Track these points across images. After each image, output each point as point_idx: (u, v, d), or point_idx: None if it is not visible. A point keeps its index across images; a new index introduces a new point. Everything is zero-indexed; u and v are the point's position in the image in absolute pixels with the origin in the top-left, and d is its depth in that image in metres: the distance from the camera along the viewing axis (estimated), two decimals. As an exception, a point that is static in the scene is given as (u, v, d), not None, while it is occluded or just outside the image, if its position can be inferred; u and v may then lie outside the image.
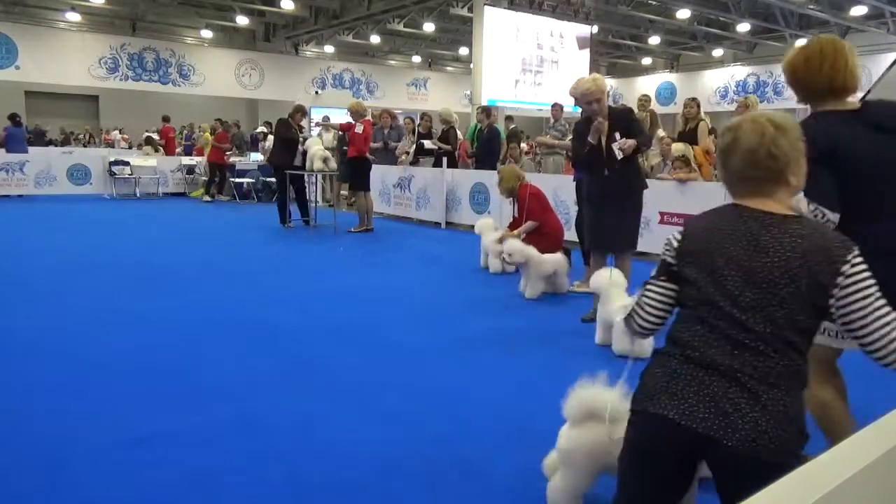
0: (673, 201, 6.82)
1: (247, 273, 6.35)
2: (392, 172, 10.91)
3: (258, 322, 4.56)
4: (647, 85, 25.79)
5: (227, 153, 13.82)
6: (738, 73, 24.32)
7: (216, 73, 21.86)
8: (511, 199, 6.38)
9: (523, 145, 12.21)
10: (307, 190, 10.20)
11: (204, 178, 14.02)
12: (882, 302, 1.46)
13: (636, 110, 7.28)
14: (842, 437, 0.97)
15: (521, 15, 15.99)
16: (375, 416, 3.03)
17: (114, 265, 6.48)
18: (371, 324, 4.58)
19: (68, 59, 19.06)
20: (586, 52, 17.46)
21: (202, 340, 4.13)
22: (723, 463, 1.46)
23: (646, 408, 1.53)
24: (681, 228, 1.66)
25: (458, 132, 10.65)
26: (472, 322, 4.71)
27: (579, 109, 4.62)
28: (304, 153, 9.66)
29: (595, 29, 18.53)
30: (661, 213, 6.91)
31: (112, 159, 14.03)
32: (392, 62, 27.56)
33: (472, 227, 7.07)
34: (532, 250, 5.44)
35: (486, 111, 10.21)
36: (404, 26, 20.35)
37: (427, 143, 10.27)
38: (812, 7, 18.30)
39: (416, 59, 27.07)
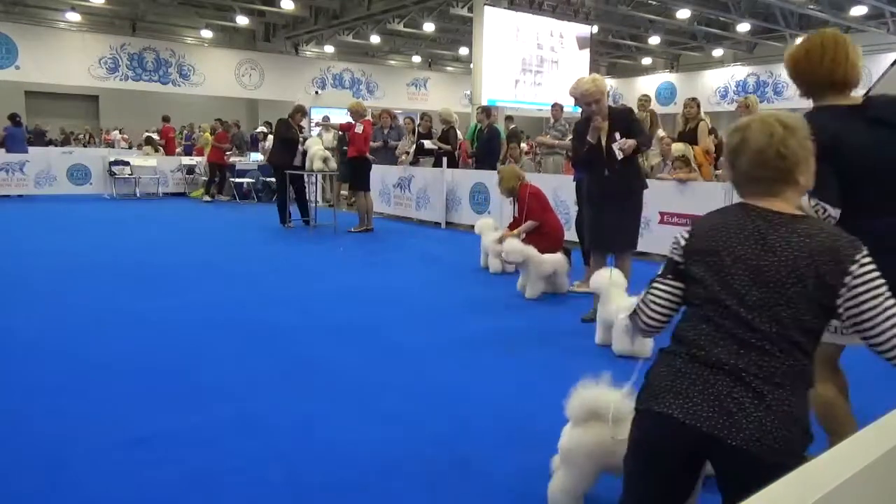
0: (673, 201, 6.82)
1: (247, 273, 6.35)
2: (392, 172, 10.91)
3: (258, 322, 4.56)
4: (647, 85, 25.78)
5: (227, 153, 13.83)
6: (738, 73, 24.31)
7: (216, 73, 21.85)
8: (511, 198, 6.38)
9: (523, 145, 12.21)
10: (307, 190, 10.21)
11: (204, 178, 14.02)
12: (892, 301, 1.45)
13: (636, 110, 7.28)
14: (843, 436, 0.97)
15: (521, 15, 15.99)
16: (375, 416, 3.03)
17: (114, 265, 6.48)
18: (371, 324, 4.57)
19: (68, 59, 19.06)
20: (586, 52, 17.46)
21: (202, 340, 4.13)
22: (726, 462, 1.45)
23: (650, 407, 1.52)
24: (689, 227, 1.66)
25: (458, 132, 10.65)
26: (472, 322, 4.71)
27: (579, 109, 4.62)
28: (304, 153, 9.66)
29: (595, 29, 18.52)
30: (661, 213, 6.91)
31: (112, 159, 14.03)
32: (392, 62, 27.57)
33: (472, 227, 7.07)
34: (531, 250, 5.43)
35: (486, 111, 10.21)
36: (404, 26, 20.35)
37: (427, 143, 10.27)
38: (812, 7, 18.30)
39: (416, 59, 27.07)
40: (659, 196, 6.55)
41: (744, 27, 20.78)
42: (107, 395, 3.21)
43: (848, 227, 1.57)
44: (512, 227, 6.30)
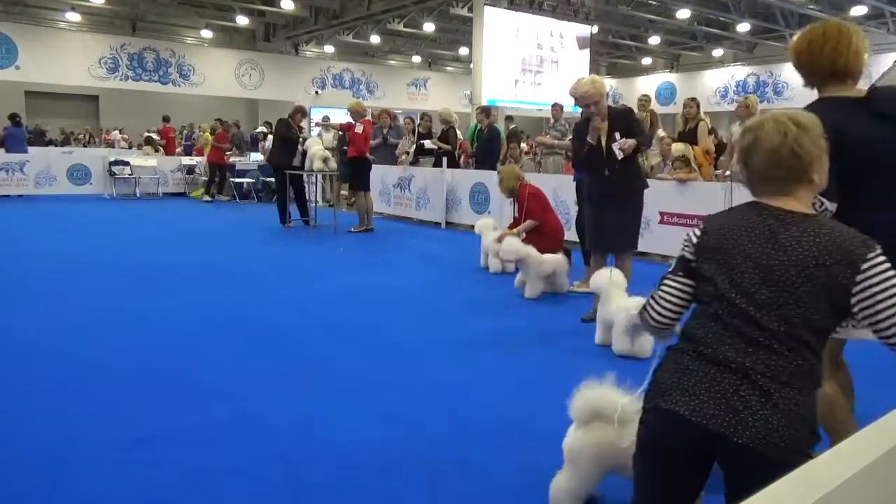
0: (673, 201, 6.82)
1: (247, 273, 6.35)
2: (392, 172, 10.91)
3: (258, 322, 4.56)
4: (647, 85, 25.77)
5: (227, 153, 13.83)
6: (738, 73, 24.31)
7: (216, 73, 21.85)
8: (511, 199, 6.39)
9: (523, 145, 12.20)
10: (307, 190, 10.21)
11: (204, 178, 14.02)
12: None
13: (636, 110, 7.28)
14: (842, 436, 0.97)
15: (520, 15, 15.98)
16: (375, 416, 3.03)
17: (114, 265, 6.48)
18: (371, 324, 4.57)
19: (68, 59, 19.05)
20: (586, 52, 17.45)
21: (202, 340, 4.13)
22: (732, 460, 1.45)
23: (657, 404, 1.53)
24: (701, 224, 1.65)
25: (458, 132, 10.65)
26: (472, 322, 4.71)
27: (579, 109, 4.62)
28: (304, 153, 9.66)
29: (595, 29, 18.52)
30: (661, 213, 6.91)
31: (112, 159, 14.03)
32: (392, 62, 27.56)
33: (472, 227, 7.07)
34: (530, 249, 5.43)
35: (486, 111, 10.21)
36: (404, 26, 20.35)
37: (427, 143, 10.27)
38: (812, 7, 18.30)
39: (416, 59, 27.07)
40: (659, 196, 6.55)
41: (744, 27, 20.78)
42: (107, 395, 3.21)
43: (848, 222, 1.55)
44: (512, 227, 6.30)
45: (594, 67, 18.74)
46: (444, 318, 4.83)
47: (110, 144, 19.71)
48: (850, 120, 2.07)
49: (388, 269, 6.85)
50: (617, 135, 4.39)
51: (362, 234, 9.10)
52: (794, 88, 21.37)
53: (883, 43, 19.08)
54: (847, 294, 1.44)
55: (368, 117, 9.67)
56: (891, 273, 1.44)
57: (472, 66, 16.58)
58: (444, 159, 9.94)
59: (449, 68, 28.34)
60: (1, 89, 18.93)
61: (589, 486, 2.16)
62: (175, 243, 8.13)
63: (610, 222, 4.51)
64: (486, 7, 15.31)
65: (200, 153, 14.72)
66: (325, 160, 9.23)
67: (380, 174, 10.72)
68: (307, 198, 10.02)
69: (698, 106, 8.03)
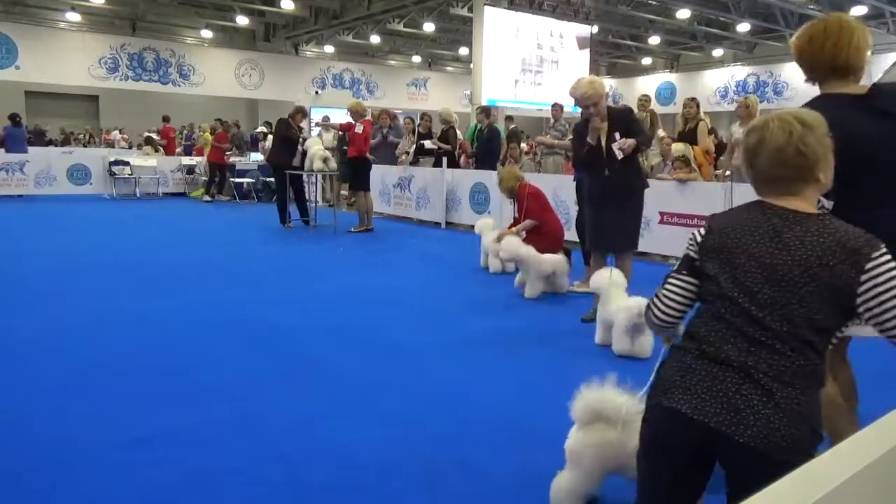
0: (673, 201, 6.82)
1: (247, 273, 6.35)
2: (392, 172, 10.91)
3: (258, 322, 4.56)
4: (647, 85, 25.78)
5: (227, 153, 13.83)
6: (738, 73, 24.31)
7: (216, 73, 21.85)
8: (511, 199, 6.38)
9: (523, 145, 12.21)
10: (307, 190, 10.20)
11: (204, 178, 14.02)
12: None
13: (636, 110, 7.28)
14: (840, 436, 0.97)
15: (520, 15, 15.98)
16: (375, 416, 3.03)
17: (114, 265, 6.48)
18: (371, 324, 4.57)
19: (68, 59, 19.05)
20: (586, 52, 17.45)
21: (202, 340, 4.13)
22: (733, 459, 1.46)
23: (660, 401, 1.53)
24: (706, 223, 1.66)
25: (458, 132, 10.65)
26: (472, 322, 4.71)
27: (579, 109, 4.62)
28: (304, 153, 9.66)
29: (595, 29, 18.52)
30: (661, 213, 6.91)
31: (112, 159, 14.04)
32: (392, 62, 27.57)
33: (472, 227, 7.07)
34: (529, 249, 5.43)
35: (486, 111, 10.21)
36: (404, 26, 20.35)
37: (427, 143, 10.27)
38: (812, 7, 18.30)
39: (416, 59, 27.07)
40: (659, 196, 6.55)
41: (744, 27, 20.78)
42: (107, 395, 3.21)
43: (845, 219, 1.55)
44: (511, 227, 6.29)
45: (594, 67, 18.74)
46: (444, 318, 4.83)
47: (110, 144, 19.71)
48: (849, 117, 2.05)
49: (388, 269, 6.85)
50: (617, 135, 4.39)
51: (362, 234, 9.10)
52: (794, 88, 21.37)
53: (883, 43, 19.08)
54: (852, 294, 1.43)
55: (368, 117, 9.67)
56: None
57: (472, 66, 16.59)
58: (444, 159, 9.94)
59: (449, 68, 28.34)
60: (1, 89, 18.94)
61: (590, 486, 2.16)
62: (175, 243, 8.13)
63: (610, 222, 4.51)
64: (486, 7, 15.31)
65: (200, 153, 14.72)
66: (325, 160, 9.23)
67: (380, 174, 10.72)
68: (307, 198, 10.02)
69: (698, 106, 8.03)
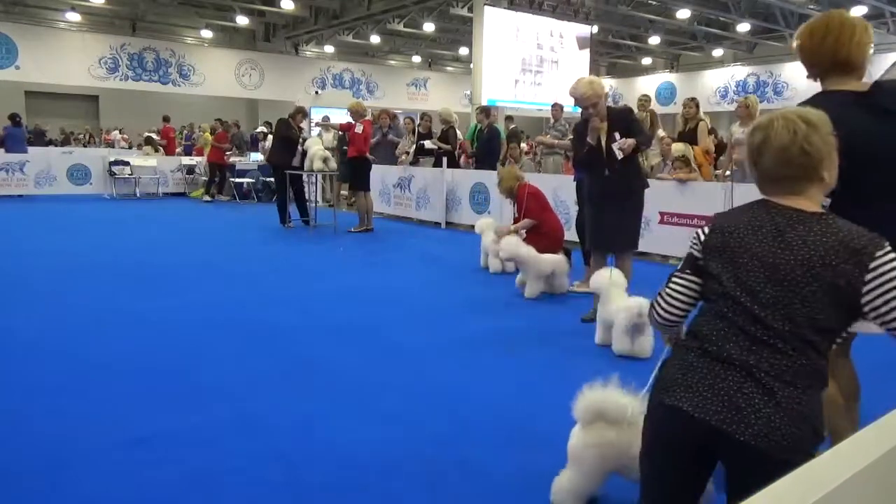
0: (673, 201, 6.82)
1: (247, 273, 6.35)
2: (392, 172, 10.91)
3: (258, 322, 4.56)
4: (647, 85, 25.78)
5: (227, 153, 13.83)
6: (738, 73, 24.31)
7: (216, 73, 21.85)
8: (511, 199, 6.38)
9: (523, 145, 12.21)
10: (307, 190, 10.20)
11: (204, 178, 14.02)
12: None
13: (636, 110, 7.28)
14: (840, 437, 0.97)
15: (521, 15, 15.98)
16: (375, 416, 3.03)
17: (114, 265, 6.48)
18: (371, 324, 4.57)
19: (68, 59, 19.05)
20: (586, 52, 17.45)
21: (202, 340, 4.13)
22: (734, 457, 1.46)
23: (661, 399, 1.54)
24: (710, 222, 1.66)
25: (458, 132, 10.65)
26: (472, 322, 4.71)
27: (579, 109, 4.62)
28: (304, 153, 9.66)
29: (595, 29, 18.52)
30: (661, 213, 6.91)
31: (112, 159, 14.04)
32: (392, 62, 27.56)
33: (472, 227, 7.07)
34: (529, 249, 5.43)
35: (486, 111, 10.21)
36: (404, 26, 20.35)
37: (427, 143, 10.27)
38: (812, 7, 18.30)
39: (416, 59, 27.07)
40: (659, 196, 6.54)
41: (744, 27, 20.78)
42: (107, 395, 3.21)
43: (843, 216, 1.55)
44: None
45: (594, 67, 18.74)
46: (444, 318, 4.83)
47: (110, 144, 19.71)
48: (850, 114, 2.05)
49: (388, 269, 6.85)
50: (616, 135, 4.39)
51: (362, 234, 9.10)
52: (794, 88, 21.38)
53: (883, 43, 19.11)
54: (856, 294, 1.42)
55: (368, 117, 9.67)
56: None
57: (472, 66, 16.59)
58: (444, 159, 9.94)
59: (449, 68, 28.34)
60: (1, 89, 18.94)
61: (592, 486, 2.17)
62: (175, 243, 8.13)
63: (610, 222, 4.51)
64: (486, 7, 15.31)
65: (200, 153, 14.72)
66: (325, 160, 9.23)
67: (380, 174, 10.72)
68: (307, 198, 10.02)
69: (698, 106, 8.04)
